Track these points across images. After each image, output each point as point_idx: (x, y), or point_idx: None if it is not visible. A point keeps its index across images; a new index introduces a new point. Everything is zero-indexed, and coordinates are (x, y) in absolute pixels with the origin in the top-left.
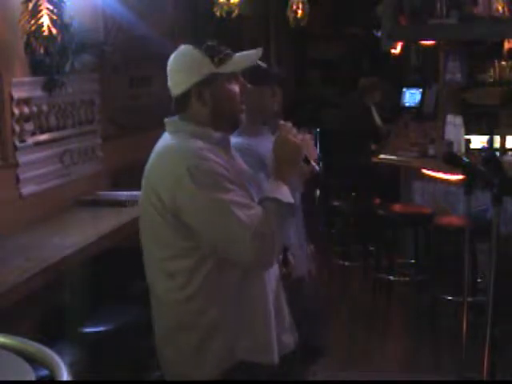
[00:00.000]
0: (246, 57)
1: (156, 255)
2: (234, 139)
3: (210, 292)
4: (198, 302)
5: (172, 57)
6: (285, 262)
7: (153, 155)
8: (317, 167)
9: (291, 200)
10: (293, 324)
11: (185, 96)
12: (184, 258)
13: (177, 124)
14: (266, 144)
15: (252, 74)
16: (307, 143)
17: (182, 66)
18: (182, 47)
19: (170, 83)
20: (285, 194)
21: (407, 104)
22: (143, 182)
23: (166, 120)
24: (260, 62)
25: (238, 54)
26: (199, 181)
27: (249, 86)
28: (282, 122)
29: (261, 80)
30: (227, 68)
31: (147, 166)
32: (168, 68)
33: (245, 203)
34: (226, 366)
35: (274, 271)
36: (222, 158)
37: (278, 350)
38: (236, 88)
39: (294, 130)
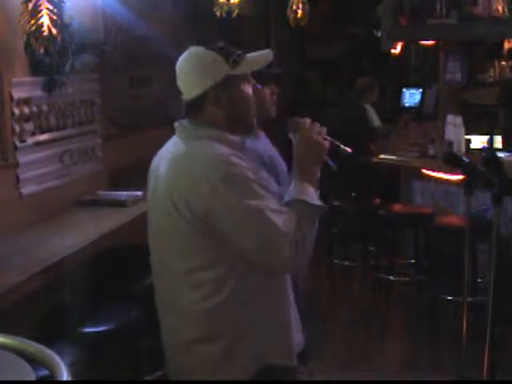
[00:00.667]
0: (259, 57)
1: (180, 266)
2: None
3: (235, 301)
4: (224, 313)
5: (183, 59)
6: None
7: (169, 161)
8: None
9: (319, 202)
10: (299, 323)
11: (199, 99)
12: (210, 269)
13: (190, 129)
14: (262, 144)
15: (252, 75)
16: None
17: (195, 69)
18: (194, 49)
19: (181, 87)
20: (312, 195)
21: (407, 104)
22: (159, 189)
23: (176, 125)
24: None
25: (249, 55)
26: (234, 189)
27: (259, 86)
28: (300, 119)
29: (261, 80)
30: (241, 69)
31: (164, 173)
32: (179, 71)
33: (278, 209)
34: (251, 371)
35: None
36: (246, 162)
37: (295, 351)
38: (250, 90)
39: (317, 126)
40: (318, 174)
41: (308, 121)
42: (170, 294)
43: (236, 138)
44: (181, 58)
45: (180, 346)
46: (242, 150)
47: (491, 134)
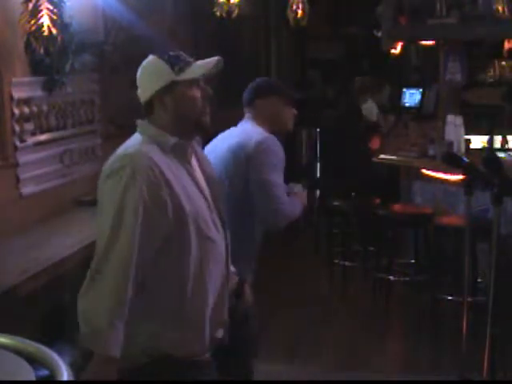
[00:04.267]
0: (204, 65)
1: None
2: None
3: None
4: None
5: (141, 66)
6: (239, 294)
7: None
8: None
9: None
10: (227, 320)
11: (149, 102)
12: None
13: (144, 126)
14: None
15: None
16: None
17: (146, 75)
18: (149, 57)
19: (138, 91)
20: None
21: (407, 104)
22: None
23: (138, 121)
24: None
25: (196, 63)
26: (117, 185)
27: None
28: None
29: (290, 102)
30: (186, 75)
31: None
32: (137, 77)
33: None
34: (150, 355)
35: (221, 269)
36: (170, 165)
37: (209, 345)
38: (196, 93)
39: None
40: None
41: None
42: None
43: (171, 142)
44: (140, 66)
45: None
46: (179, 152)
47: (491, 133)
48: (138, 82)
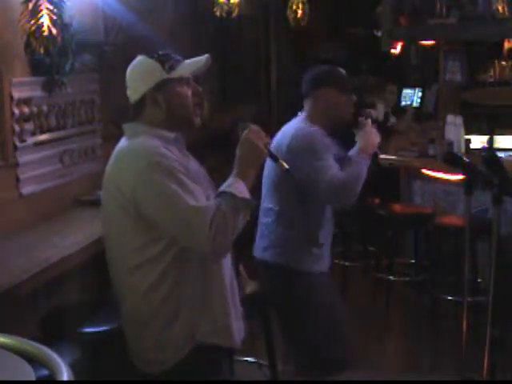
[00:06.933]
0: (194, 63)
1: (120, 251)
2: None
3: (170, 281)
4: (157, 293)
5: (130, 67)
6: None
7: (113, 156)
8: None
9: (246, 195)
10: (242, 312)
11: (141, 101)
12: (146, 250)
13: (134, 127)
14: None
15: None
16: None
17: (137, 75)
18: (138, 58)
19: (128, 91)
20: (239, 188)
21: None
22: (105, 183)
23: (123, 125)
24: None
25: (186, 61)
26: (157, 175)
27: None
28: (253, 125)
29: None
30: (176, 73)
31: (108, 168)
32: (126, 78)
33: (199, 195)
34: (187, 349)
35: (228, 259)
36: (177, 156)
37: (237, 334)
38: (187, 91)
39: (263, 134)
40: (253, 177)
41: (256, 127)
42: (116, 279)
43: (170, 134)
44: (129, 67)
45: (126, 322)
46: (178, 145)
47: (491, 133)
48: (129, 83)
